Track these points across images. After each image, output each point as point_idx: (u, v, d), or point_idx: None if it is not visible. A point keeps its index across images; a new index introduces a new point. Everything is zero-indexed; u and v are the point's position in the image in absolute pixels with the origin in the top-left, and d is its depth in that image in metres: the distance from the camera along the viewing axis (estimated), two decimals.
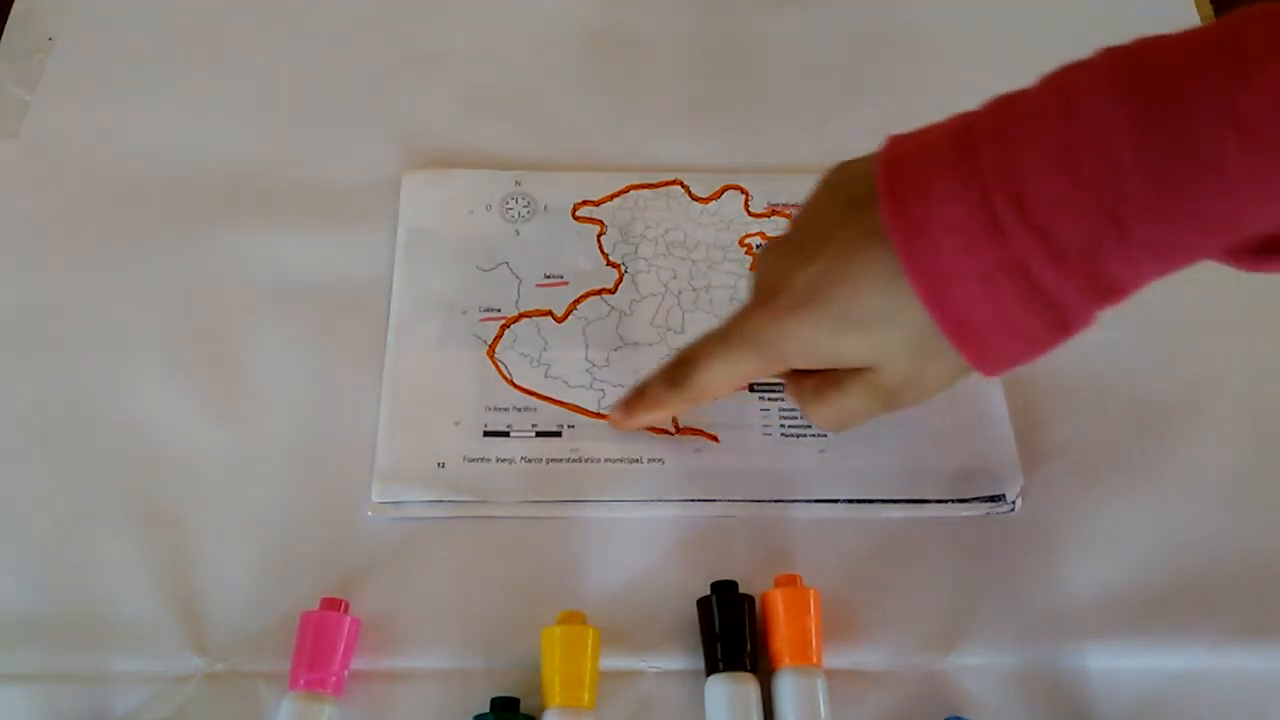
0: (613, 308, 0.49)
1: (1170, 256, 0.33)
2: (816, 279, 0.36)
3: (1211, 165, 0.30)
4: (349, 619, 0.40)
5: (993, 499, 0.44)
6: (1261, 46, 0.30)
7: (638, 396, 0.43)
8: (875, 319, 0.36)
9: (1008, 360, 0.36)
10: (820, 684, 0.39)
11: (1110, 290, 0.34)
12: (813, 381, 0.40)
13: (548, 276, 0.49)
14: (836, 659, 0.41)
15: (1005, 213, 0.32)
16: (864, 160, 0.37)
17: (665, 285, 0.49)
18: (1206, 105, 0.30)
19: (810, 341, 0.37)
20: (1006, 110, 0.34)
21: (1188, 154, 0.30)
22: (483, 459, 0.45)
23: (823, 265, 0.36)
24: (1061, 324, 0.34)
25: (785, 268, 0.38)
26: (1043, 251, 0.32)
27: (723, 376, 0.40)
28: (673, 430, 0.46)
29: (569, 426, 0.46)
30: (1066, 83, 0.33)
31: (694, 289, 0.49)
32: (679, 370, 0.41)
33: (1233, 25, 0.31)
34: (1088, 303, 0.34)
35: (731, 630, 0.40)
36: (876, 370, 0.38)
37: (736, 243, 0.51)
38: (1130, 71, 0.32)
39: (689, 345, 0.41)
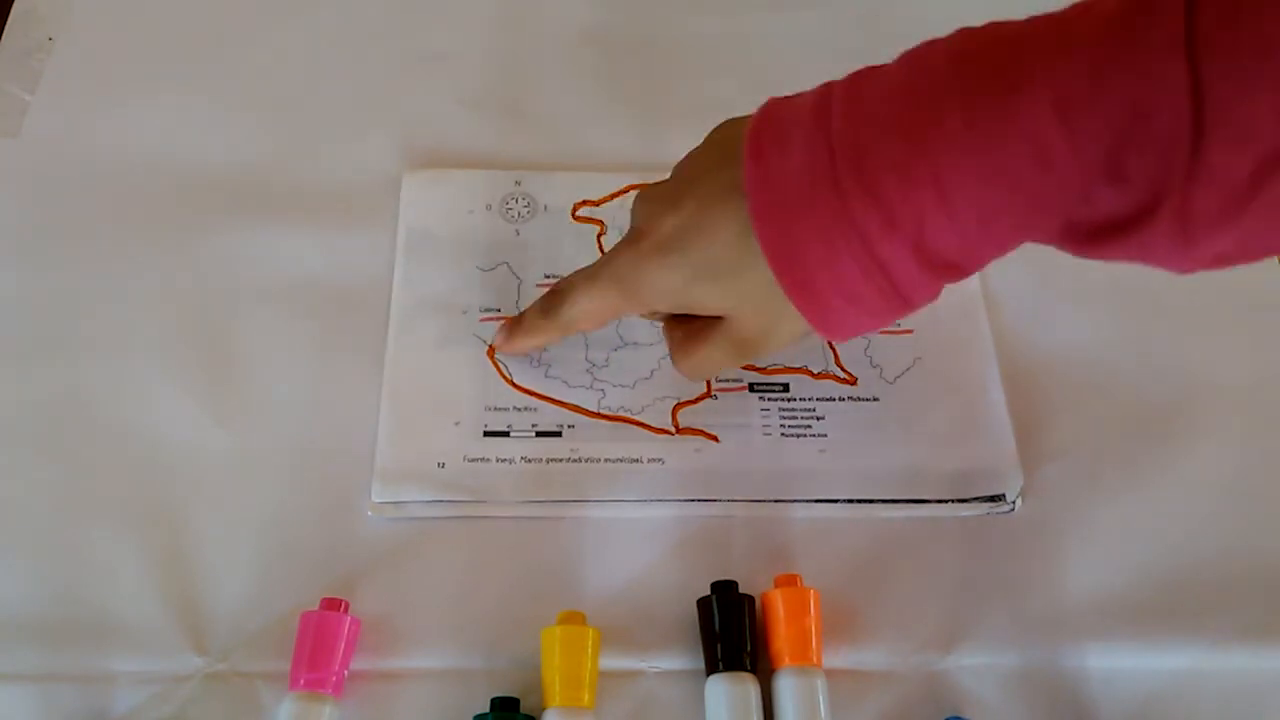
0: None
1: (997, 231, 0.34)
2: (679, 226, 0.38)
3: (1031, 139, 0.31)
4: (349, 619, 0.40)
5: (993, 499, 0.44)
6: (1086, 30, 0.31)
7: (515, 323, 0.45)
8: (727, 270, 0.37)
9: (848, 326, 0.37)
10: (820, 684, 0.39)
11: (944, 264, 0.35)
12: (681, 330, 0.42)
13: (548, 276, 0.49)
14: (836, 659, 0.41)
15: (846, 176, 0.33)
16: (745, 118, 0.38)
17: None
18: (1030, 83, 0.31)
19: (667, 285, 0.39)
20: (863, 78, 0.35)
21: (1009, 127, 0.31)
22: (483, 459, 0.45)
23: (687, 213, 0.38)
24: (900, 296, 0.35)
25: (655, 212, 0.39)
26: (876, 217, 0.33)
27: (589, 310, 0.42)
28: (673, 430, 0.46)
29: (569, 426, 0.46)
30: (917, 56, 0.34)
31: None
32: (551, 300, 0.43)
33: (1072, 11, 0.32)
34: (925, 276, 0.35)
35: (731, 630, 0.40)
36: (729, 321, 0.39)
37: None
38: (970, 46, 0.33)
39: (564, 278, 0.43)
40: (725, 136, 0.39)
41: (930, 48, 0.34)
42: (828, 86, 0.36)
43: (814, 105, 0.35)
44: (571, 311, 0.42)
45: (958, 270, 0.35)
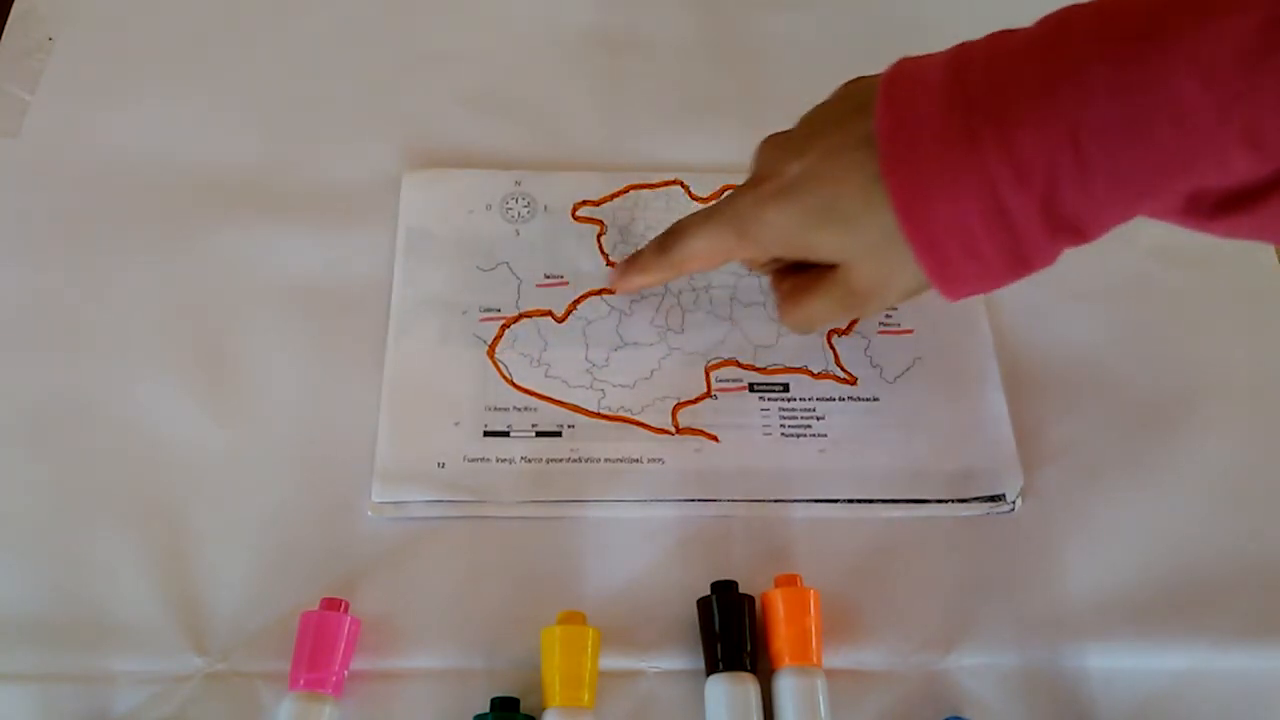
0: (613, 308, 0.49)
1: (1126, 195, 0.34)
2: (802, 172, 0.39)
3: (1172, 103, 0.32)
4: (349, 619, 0.40)
5: (993, 499, 0.44)
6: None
7: (631, 260, 0.46)
8: (848, 217, 0.38)
9: (964, 282, 0.37)
10: (820, 684, 0.39)
11: (1069, 226, 0.35)
12: (790, 283, 0.42)
13: (548, 276, 0.49)
14: (836, 659, 0.41)
15: (981, 129, 0.34)
16: (876, 76, 0.38)
17: (665, 285, 0.49)
18: (1175, 47, 0.31)
19: (785, 229, 0.39)
20: (1001, 39, 0.35)
21: (1151, 90, 0.32)
22: (483, 459, 0.45)
23: (811, 160, 0.38)
24: (1020, 255, 0.36)
25: (778, 158, 0.40)
26: (1009, 170, 0.34)
27: (704, 249, 0.43)
28: (673, 430, 0.46)
29: (569, 426, 0.46)
30: (1057, 17, 0.34)
31: (694, 289, 0.49)
32: (668, 239, 0.44)
33: None
34: (1046, 235, 0.35)
35: (731, 630, 0.40)
36: (844, 269, 0.39)
37: None
38: (1112, 7, 0.33)
39: (683, 218, 0.44)
40: (857, 89, 0.39)
41: (1071, 10, 0.34)
42: (963, 45, 0.36)
43: (950, 60, 0.36)
44: (685, 250, 0.43)
45: (1079, 234, 0.35)
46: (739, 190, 0.41)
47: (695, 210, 0.44)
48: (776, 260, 0.44)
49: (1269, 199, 0.33)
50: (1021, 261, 0.36)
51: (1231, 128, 0.31)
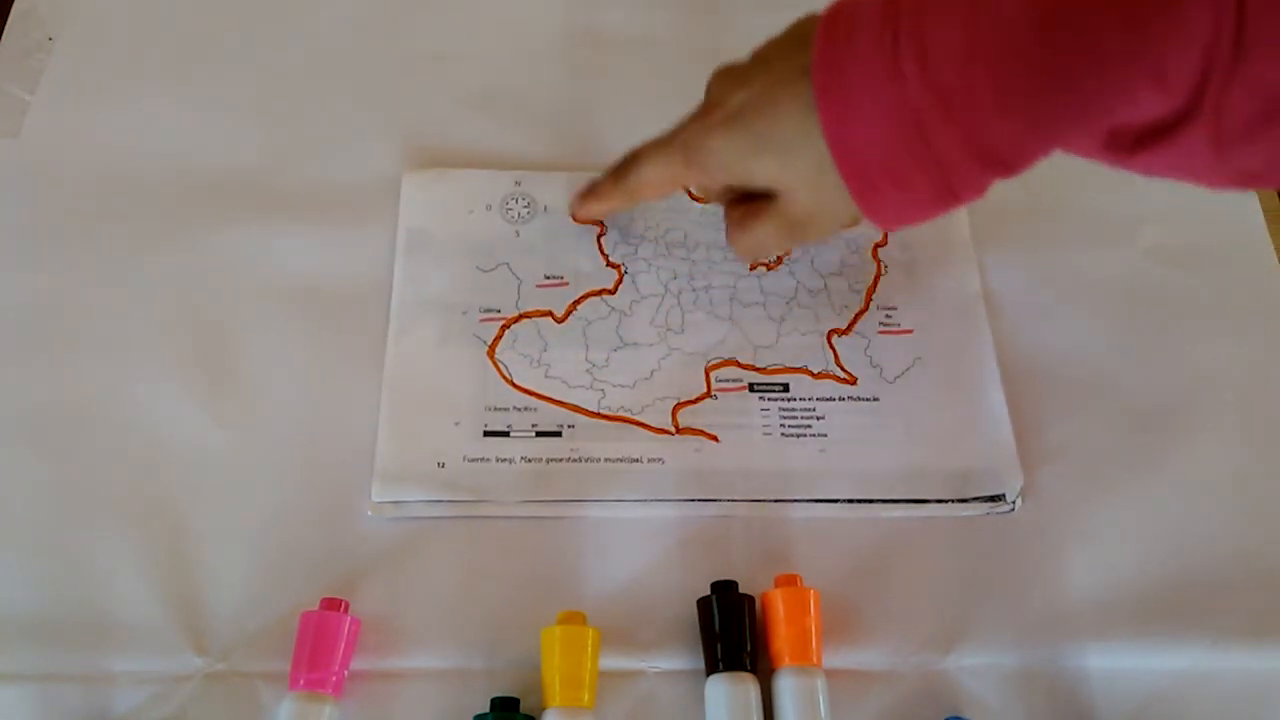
0: (613, 308, 0.49)
1: (1045, 128, 0.35)
2: (745, 101, 0.40)
3: (1091, 37, 0.33)
4: (349, 619, 0.40)
5: (993, 499, 0.44)
6: None
7: (589, 188, 0.48)
8: (784, 145, 0.39)
9: (893, 210, 0.39)
10: (820, 684, 0.39)
11: (995, 158, 0.36)
12: (739, 211, 0.44)
13: (548, 277, 0.49)
14: (836, 659, 0.41)
15: (908, 61, 0.35)
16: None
17: (665, 285, 0.49)
18: None
19: (727, 156, 0.41)
20: None
21: (1071, 24, 0.33)
22: (483, 459, 0.45)
23: (755, 91, 0.40)
24: (947, 185, 0.37)
25: (726, 89, 0.42)
26: (934, 102, 0.35)
27: (655, 176, 0.45)
28: (673, 430, 0.46)
29: (569, 426, 0.46)
30: None
31: (694, 289, 0.49)
32: (623, 167, 0.46)
33: None
34: (973, 167, 0.36)
35: (731, 630, 0.40)
36: (783, 197, 0.41)
37: None
38: None
39: (637, 146, 0.45)
40: (802, 25, 0.40)
41: None
42: None
43: None
44: (639, 177, 0.45)
45: (1006, 167, 0.36)
46: (688, 119, 0.43)
47: (649, 140, 0.45)
48: (729, 190, 0.45)
49: (1179, 133, 0.34)
50: (949, 192, 0.37)
51: (1139, 61, 0.33)
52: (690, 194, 0.52)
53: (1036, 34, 0.33)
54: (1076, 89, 0.34)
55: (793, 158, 0.39)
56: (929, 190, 0.37)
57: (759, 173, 0.41)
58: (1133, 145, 0.36)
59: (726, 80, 0.42)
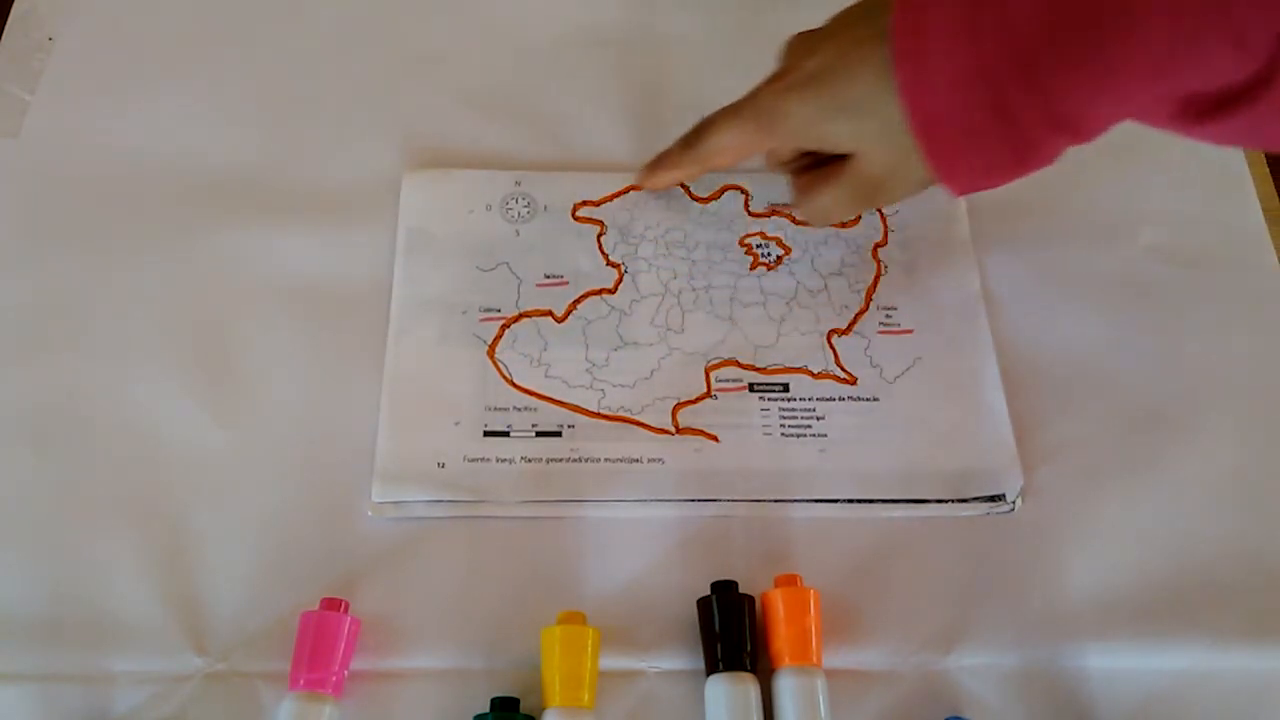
0: (613, 308, 0.49)
1: (1119, 93, 0.36)
2: (821, 65, 0.41)
3: (1166, 6, 0.34)
4: (349, 619, 0.40)
5: (993, 499, 0.44)
6: None
7: (659, 158, 0.49)
8: (860, 107, 0.40)
9: (966, 174, 0.39)
10: (820, 684, 0.39)
11: (1067, 123, 0.37)
12: (808, 176, 0.45)
13: (548, 276, 0.49)
14: (836, 659, 0.41)
15: (987, 21, 0.36)
16: None
17: (665, 285, 0.49)
18: None
19: (803, 119, 0.42)
20: None
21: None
22: (483, 459, 0.45)
23: (829, 55, 0.41)
24: (1020, 149, 0.37)
25: (800, 53, 0.43)
26: (1011, 63, 0.35)
27: (729, 142, 0.45)
28: (673, 430, 0.46)
29: (569, 426, 0.46)
30: None
31: (694, 289, 0.49)
32: (695, 134, 0.47)
33: None
34: (1046, 131, 0.37)
35: (731, 630, 0.40)
36: (856, 159, 0.42)
37: (736, 243, 0.51)
38: None
39: (709, 115, 0.46)
40: None
41: None
42: None
43: None
44: (712, 144, 0.46)
45: (1076, 133, 0.37)
46: (762, 85, 0.44)
47: (721, 108, 0.46)
48: (797, 157, 0.46)
49: (1255, 100, 0.34)
50: (1021, 155, 0.38)
51: (1216, 26, 0.33)
52: (690, 193, 0.52)
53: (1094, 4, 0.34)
54: (1153, 53, 0.34)
55: (868, 120, 0.40)
56: (1001, 153, 0.38)
57: (834, 135, 0.42)
58: (1206, 112, 0.36)
59: (801, 46, 0.43)
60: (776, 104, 0.43)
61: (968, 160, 0.39)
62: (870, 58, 0.39)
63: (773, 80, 0.44)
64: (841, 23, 0.42)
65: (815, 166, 0.45)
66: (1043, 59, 0.35)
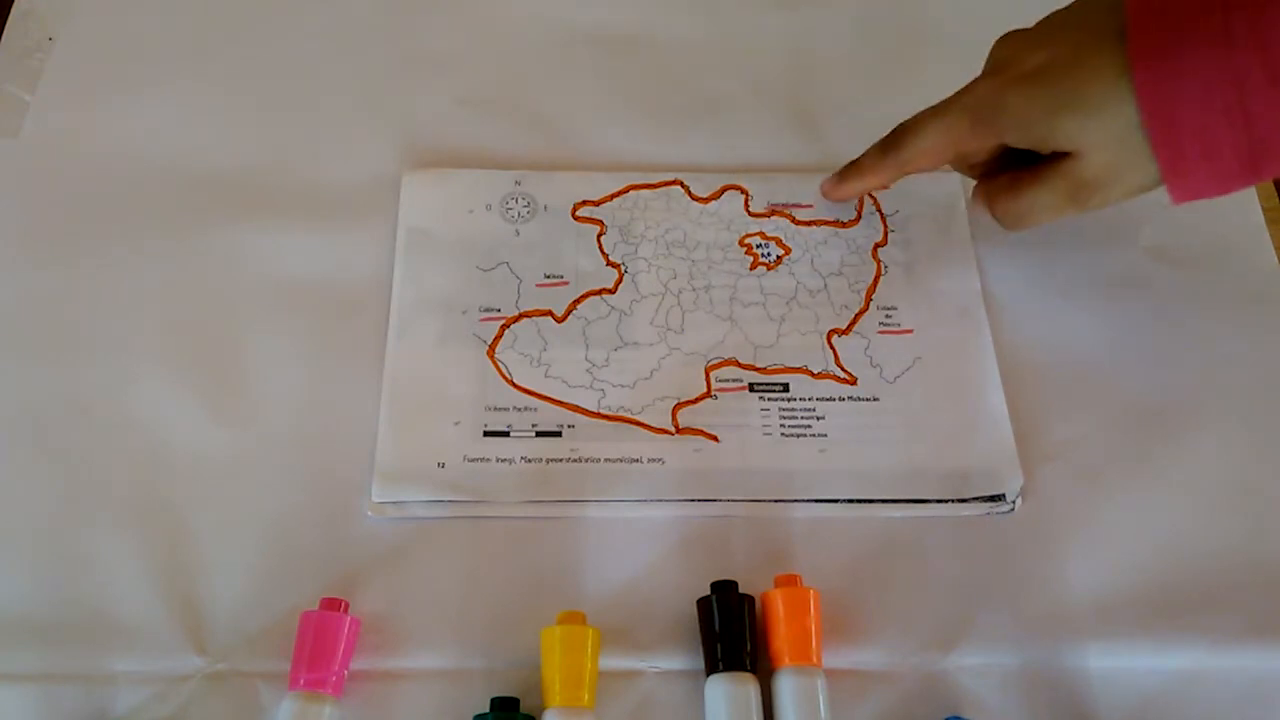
0: (613, 308, 0.49)
1: None
2: (1048, 61, 0.40)
3: None
4: (349, 619, 0.40)
5: (993, 499, 0.44)
6: None
7: (852, 166, 0.48)
8: (1091, 105, 0.39)
9: (1196, 182, 0.38)
10: (820, 684, 0.39)
11: None
12: (1007, 178, 0.44)
13: (548, 276, 0.49)
14: (836, 659, 0.41)
15: (1240, 24, 0.35)
16: None
17: (665, 285, 0.49)
18: None
19: (1026, 114, 0.41)
20: None
21: None
22: (483, 459, 0.45)
23: (1057, 50, 0.40)
24: (1255, 159, 0.36)
25: (1020, 48, 0.42)
26: (1263, 68, 0.34)
27: (935, 142, 0.44)
28: (673, 430, 0.46)
29: (569, 426, 0.46)
30: None
31: (694, 289, 0.49)
32: (894, 138, 0.46)
33: None
34: None
35: (731, 630, 0.40)
36: (1076, 159, 0.40)
37: (737, 243, 0.51)
38: None
39: (908, 119, 0.45)
40: None
41: None
42: None
43: None
44: (917, 145, 0.45)
45: None
46: (974, 82, 0.43)
47: (920, 111, 0.44)
48: (990, 160, 0.45)
49: None
50: (1258, 166, 0.37)
51: None
52: (690, 193, 0.52)
53: None
54: None
55: (1100, 118, 0.39)
56: (1234, 161, 0.37)
57: (1058, 131, 0.40)
58: None
59: (1018, 43, 0.42)
60: (996, 98, 0.42)
61: (1200, 167, 0.38)
62: (1104, 53, 0.38)
63: (989, 75, 0.43)
64: (1063, 21, 0.41)
65: (1005, 170, 0.44)
66: None
